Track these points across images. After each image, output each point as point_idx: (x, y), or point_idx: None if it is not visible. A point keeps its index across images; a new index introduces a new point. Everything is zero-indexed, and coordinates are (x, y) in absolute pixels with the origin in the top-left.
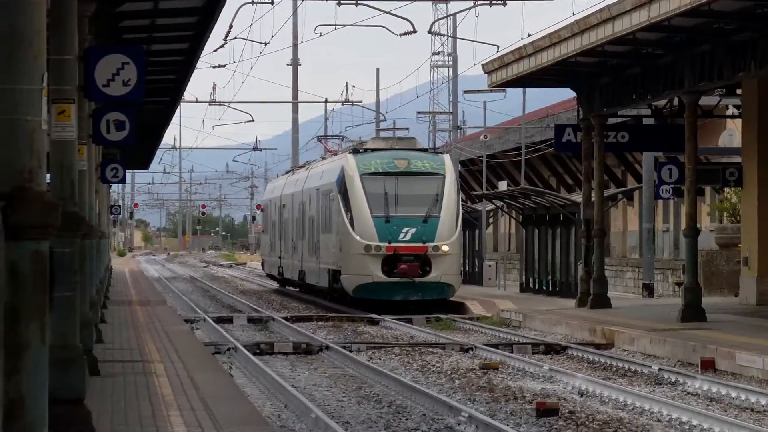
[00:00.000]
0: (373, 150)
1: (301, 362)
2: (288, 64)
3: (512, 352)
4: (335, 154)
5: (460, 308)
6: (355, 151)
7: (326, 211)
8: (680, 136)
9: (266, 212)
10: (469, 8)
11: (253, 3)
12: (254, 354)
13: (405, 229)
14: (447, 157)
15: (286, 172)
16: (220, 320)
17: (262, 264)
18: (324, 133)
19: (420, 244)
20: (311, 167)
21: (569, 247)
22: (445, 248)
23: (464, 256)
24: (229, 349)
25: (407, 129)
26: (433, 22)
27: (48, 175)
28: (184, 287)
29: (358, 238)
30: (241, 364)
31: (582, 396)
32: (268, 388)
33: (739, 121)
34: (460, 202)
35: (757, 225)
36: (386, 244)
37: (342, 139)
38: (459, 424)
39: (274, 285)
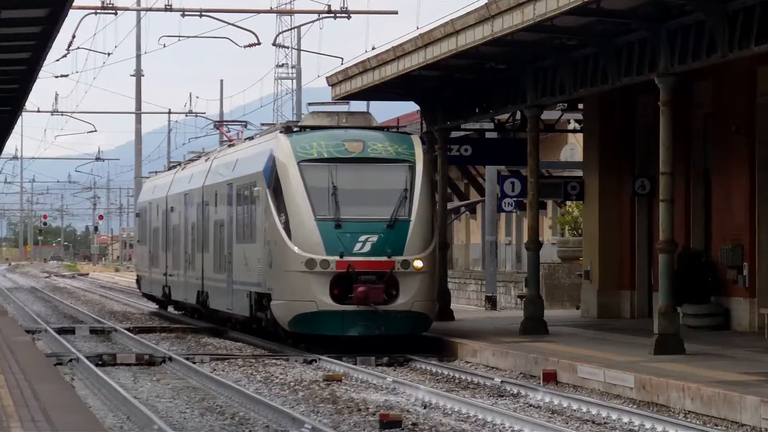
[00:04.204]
0: (314, 128)
1: (144, 374)
2: (131, 75)
3: (356, 364)
4: (251, 139)
5: None
6: (288, 130)
7: (246, 212)
8: (522, 150)
9: (143, 218)
10: (314, 21)
11: (96, 14)
12: (97, 365)
13: (363, 238)
14: (416, 138)
15: (171, 167)
16: (62, 331)
17: (137, 282)
18: (167, 144)
19: (384, 259)
20: (215, 157)
21: None
22: (418, 264)
23: None
24: (71, 360)
25: (347, 104)
26: (278, 35)
27: None
28: (26, 298)
29: (296, 249)
30: (84, 375)
31: (425, 408)
32: (110, 399)
33: (580, 136)
34: (436, 201)
35: (598, 239)
36: (337, 258)
37: (245, 126)
38: None
39: (149, 306)
